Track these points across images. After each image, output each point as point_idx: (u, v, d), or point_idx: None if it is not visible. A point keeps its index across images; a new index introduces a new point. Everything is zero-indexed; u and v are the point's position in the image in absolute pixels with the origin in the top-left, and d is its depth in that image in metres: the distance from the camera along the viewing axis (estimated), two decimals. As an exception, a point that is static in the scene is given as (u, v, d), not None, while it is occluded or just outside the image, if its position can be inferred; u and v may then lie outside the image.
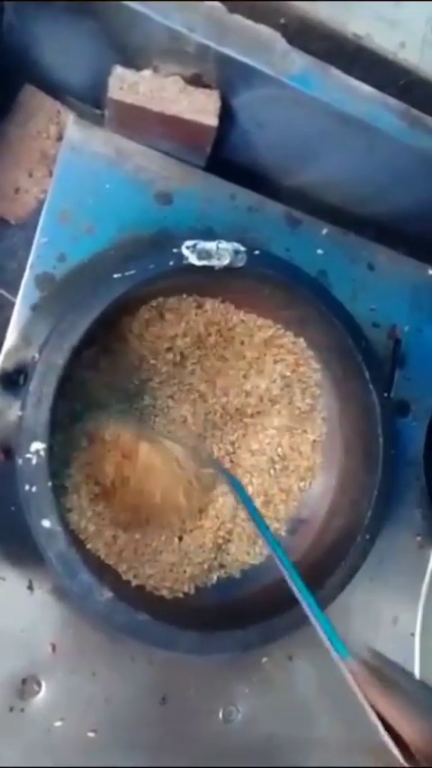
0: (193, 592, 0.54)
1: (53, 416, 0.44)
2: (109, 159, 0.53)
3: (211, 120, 0.49)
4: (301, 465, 0.58)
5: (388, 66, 0.53)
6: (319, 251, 0.60)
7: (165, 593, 0.53)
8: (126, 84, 0.49)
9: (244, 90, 0.50)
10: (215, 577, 0.55)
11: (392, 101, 0.52)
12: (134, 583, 0.51)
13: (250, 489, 0.57)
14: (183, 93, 0.49)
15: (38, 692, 0.49)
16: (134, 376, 0.54)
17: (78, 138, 0.52)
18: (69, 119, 0.53)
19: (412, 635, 0.61)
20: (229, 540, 0.56)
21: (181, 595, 0.53)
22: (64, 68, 0.56)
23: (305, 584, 0.45)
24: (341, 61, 0.51)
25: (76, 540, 0.48)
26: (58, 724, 0.50)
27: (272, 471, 0.57)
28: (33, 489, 0.43)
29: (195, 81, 0.50)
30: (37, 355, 0.44)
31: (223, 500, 0.56)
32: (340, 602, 0.53)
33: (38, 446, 0.43)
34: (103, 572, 0.50)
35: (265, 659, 0.56)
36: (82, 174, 0.52)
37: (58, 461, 0.50)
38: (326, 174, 0.59)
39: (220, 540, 0.56)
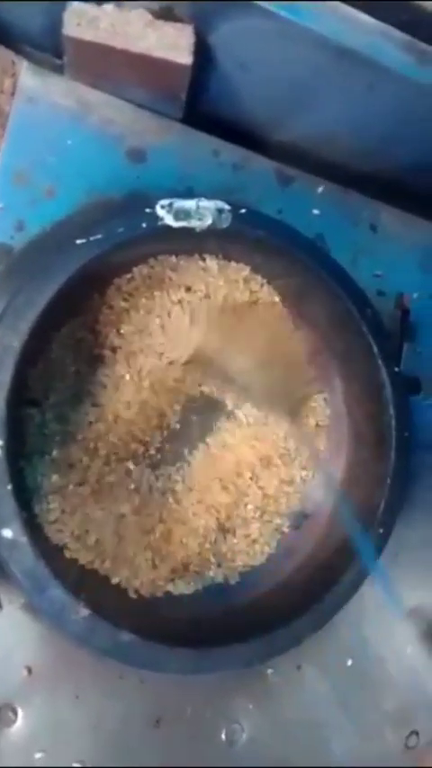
0: (188, 592, 0.48)
1: (12, 408, 0.38)
2: (71, 111, 0.46)
3: (185, 59, 0.42)
4: (304, 453, 0.51)
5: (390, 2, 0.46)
6: (315, 211, 0.54)
7: (154, 591, 0.47)
8: (84, 20, 0.42)
9: (222, 23, 0.44)
10: (211, 580, 0.49)
11: (397, 33, 0.45)
12: (119, 583, 0.46)
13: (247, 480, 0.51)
14: (150, 28, 0.42)
15: (14, 722, 0.44)
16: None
17: (34, 88, 0.46)
18: (23, 66, 0.46)
19: (432, 634, 0.56)
20: (225, 537, 0.50)
21: (165, 594, 0.48)
22: (16, 11, 0.49)
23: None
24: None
25: (48, 549, 0.42)
26: (38, 756, 0.44)
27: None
28: (-9, 494, 0.37)
29: (165, 15, 0.43)
30: (-10, 338, 0.38)
31: (226, 494, 0.50)
32: (353, 602, 0.48)
33: (-7, 443, 0.37)
34: (83, 580, 0.44)
35: (270, 671, 0.50)
36: (40, 129, 0.46)
37: (29, 458, 0.44)
38: (321, 124, 0.52)
39: (218, 536, 0.50)
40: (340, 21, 0.44)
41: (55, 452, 0.45)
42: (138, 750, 0.46)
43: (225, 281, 0.48)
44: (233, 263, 0.48)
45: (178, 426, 0.50)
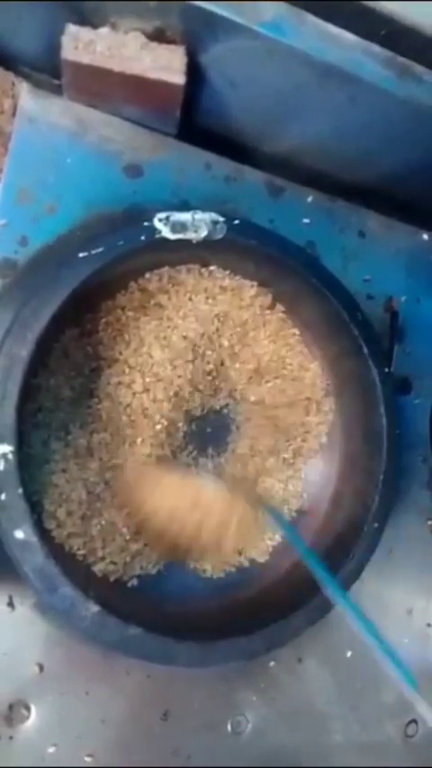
0: (194, 588, 0.50)
1: (21, 415, 0.39)
2: (70, 131, 0.48)
3: (178, 78, 0.45)
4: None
5: (369, 15, 0.48)
6: (306, 220, 0.56)
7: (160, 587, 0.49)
8: (81, 43, 0.44)
9: (212, 43, 0.46)
10: (216, 575, 0.51)
11: (376, 48, 0.47)
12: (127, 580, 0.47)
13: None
14: (145, 50, 0.44)
15: (27, 718, 0.45)
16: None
17: (34, 109, 0.48)
18: (23, 88, 0.48)
19: (429, 626, 0.58)
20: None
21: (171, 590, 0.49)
22: (15, 35, 0.51)
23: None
24: (319, 14, 0.47)
25: (57, 549, 0.44)
26: (51, 750, 0.46)
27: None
28: (3, 497, 0.39)
29: (158, 36, 0.46)
30: (-2, 349, 0.40)
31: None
32: (350, 594, 0.49)
33: (5, 449, 0.39)
34: (91, 578, 0.46)
35: (272, 663, 0.52)
36: (40, 149, 0.48)
37: (37, 463, 0.46)
38: (308, 136, 0.55)
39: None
40: (323, 38, 0.46)
41: (56, 458, 0.47)
42: (146, 742, 0.48)
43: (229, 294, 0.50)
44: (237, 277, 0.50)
45: (180, 436, 0.51)
